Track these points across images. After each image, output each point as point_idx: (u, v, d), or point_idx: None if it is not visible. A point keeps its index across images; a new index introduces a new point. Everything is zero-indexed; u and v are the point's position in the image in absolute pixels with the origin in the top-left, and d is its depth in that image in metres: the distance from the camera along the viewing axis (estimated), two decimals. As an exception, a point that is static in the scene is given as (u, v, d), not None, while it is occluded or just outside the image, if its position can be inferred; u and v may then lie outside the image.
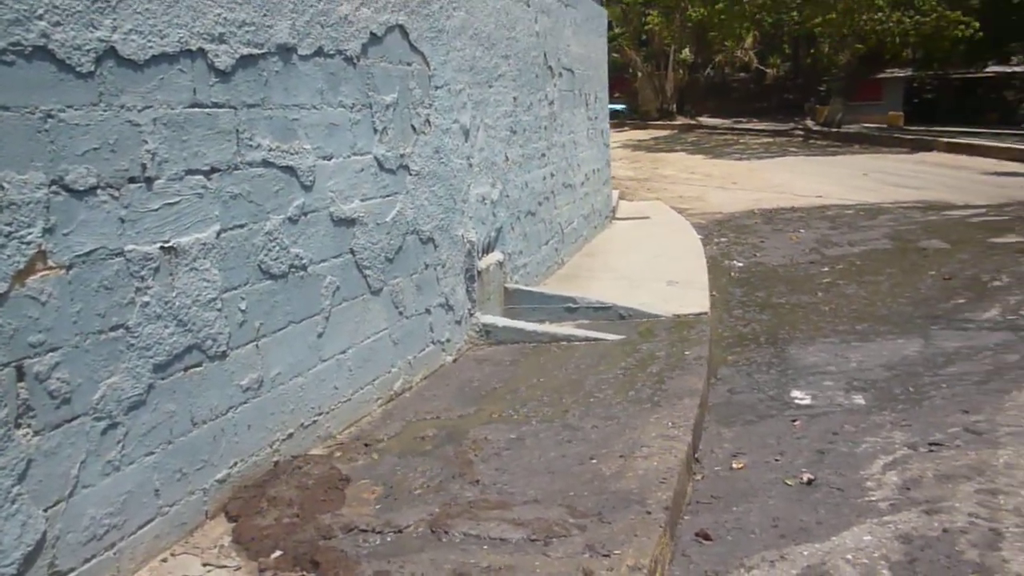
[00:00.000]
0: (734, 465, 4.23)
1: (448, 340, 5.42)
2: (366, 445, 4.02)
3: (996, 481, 3.98)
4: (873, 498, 3.84)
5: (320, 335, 4.02)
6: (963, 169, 19.67)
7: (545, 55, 7.84)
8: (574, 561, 2.95)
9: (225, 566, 2.98)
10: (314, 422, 3.98)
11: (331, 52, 4.05)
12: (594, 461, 3.81)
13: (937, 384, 5.34)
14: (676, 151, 27.37)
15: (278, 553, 3.02)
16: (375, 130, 4.47)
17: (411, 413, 4.48)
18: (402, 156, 4.76)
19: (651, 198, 15.48)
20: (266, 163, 3.59)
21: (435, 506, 3.36)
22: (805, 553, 3.38)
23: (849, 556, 3.35)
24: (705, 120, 39.20)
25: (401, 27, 4.71)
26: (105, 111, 2.77)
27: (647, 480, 3.60)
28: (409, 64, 4.84)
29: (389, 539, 3.11)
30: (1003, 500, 3.79)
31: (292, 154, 3.76)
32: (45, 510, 2.56)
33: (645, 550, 3.03)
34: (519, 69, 6.97)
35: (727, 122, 38.27)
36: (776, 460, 4.29)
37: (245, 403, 3.50)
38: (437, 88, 5.21)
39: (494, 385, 4.96)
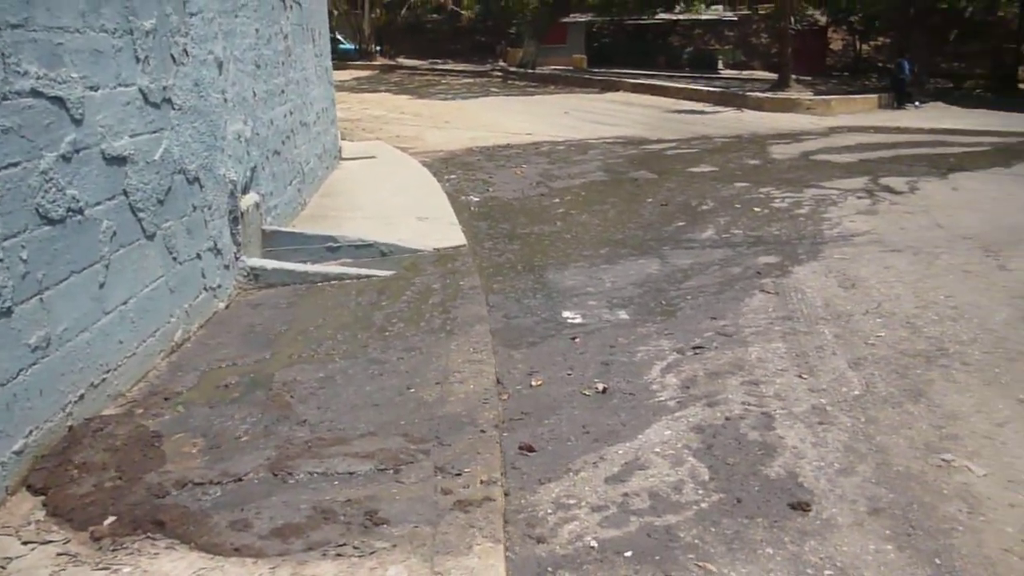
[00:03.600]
0: (533, 383, 4.46)
1: (219, 286, 5.13)
2: (165, 399, 3.75)
3: (754, 373, 4.55)
4: (662, 398, 4.24)
5: (102, 285, 3.65)
6: (649, 107, 21.53)
7: (279, -15, 7.48)
8: (430, 483, 3.00)
9: (51, 540, 2.68)
10: (103, 380, 3.63)
11: (90, -32, 3.61)
12: (412, 391, 3.85)
13: (683, 296, 5.94)
14: (381, 91, 27.26)
15: (111, 519, 2.77)
16: (137, 59, 4.07)
17: (202, 363, 4.22)
18: (165, 88, 4.38)
19: (370, 138, 15.36)
20: (35, 92, 3.17)
21: (270, 450, 3.24)
22: (620, 452, 3.68)
23: (658, 449, 3.70)
24: (403, 61, 39.26)
25: (155, -55, 4.30)
26: None
27: (470, 403, 3.71)
28: (164, -13, 4.44)
29: (231, 488, 2.97)
30: (764, 388, 4.36)
31: (60, 83, 3.34)
32: None
33: (492, 465, 3.16)
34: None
35: (425, 63, 38.62)
36: (568, 374, 4.57)
37: (35, 364, 3.12)
38: (192, 15, 4.82)
39: (280, 328, 4.79)
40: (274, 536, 2.67)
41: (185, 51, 4.72)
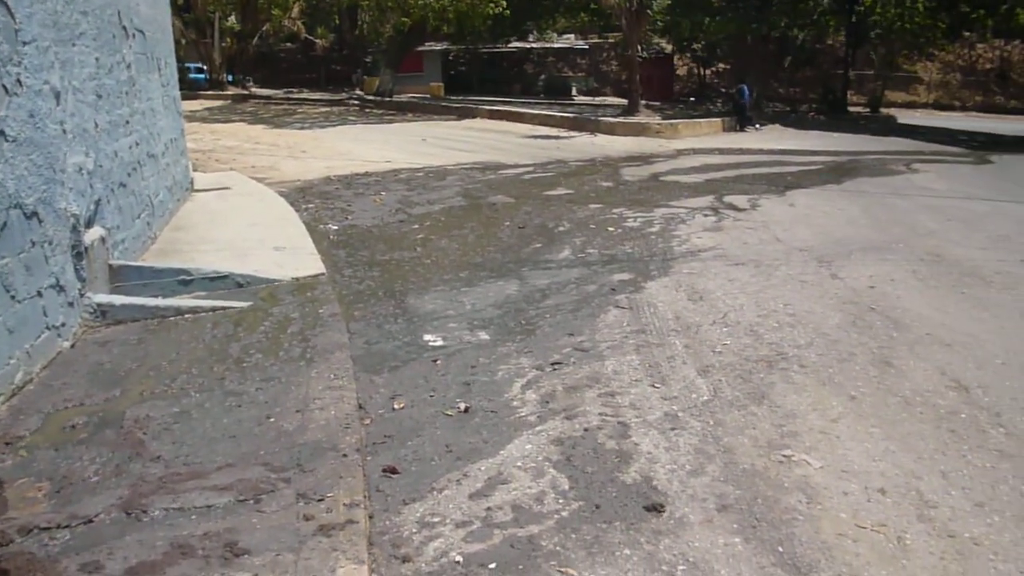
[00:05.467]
0: (395, 406, 4.48)
1: (63, 324, 4.91)
2: (7, 444, 3.57)
3: (610, 385, 4.73)
4: (522, 414, 4.35)
5: (-69, 327, 3.45)
6: (506, 133, 21.93)
7: (119, 14, 7.25)
8: (291, 511, 2.99)
9: None
10: (-64, 428, 3.43)
11: (-91, -5, 3.44)
12: (272, 420, 3.81)
13: (541, 315, 6.09)
14: (234, 121, 26.60)
15: (-52, 572, 2.62)
16: (-35, 89, 3.89)
17: (47, 405, 4.03)
18: (-3, 120, 4.20)
19: (224, 169, 14.99)
20: None
21: (122, 489, 3.14)
22: (483, 468, 3.75)
23: (519, 464, 3.79)
24: (257, 90, 38.49)
25: (-18, -29, 4.12)
26: None
27: (331, 428, 3.71)
28: (-7, 15, 4.26)
29: (81, 531, 2.86)
30: (620, 399, 4.53)
31: None
32: None
33: (355, 488, 3.17)
34: (98, 27, 6.39)
35: (279, 92, 38.00)
36: (431, 396, 4.62)
37: None
38: (25, 44, 4.64)
39: (130, 366, 4.63)
40: (128, 576, 2.60)
41: (18, 81, 4.53)
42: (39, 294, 4.60)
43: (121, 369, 4.57)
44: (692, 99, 37.48)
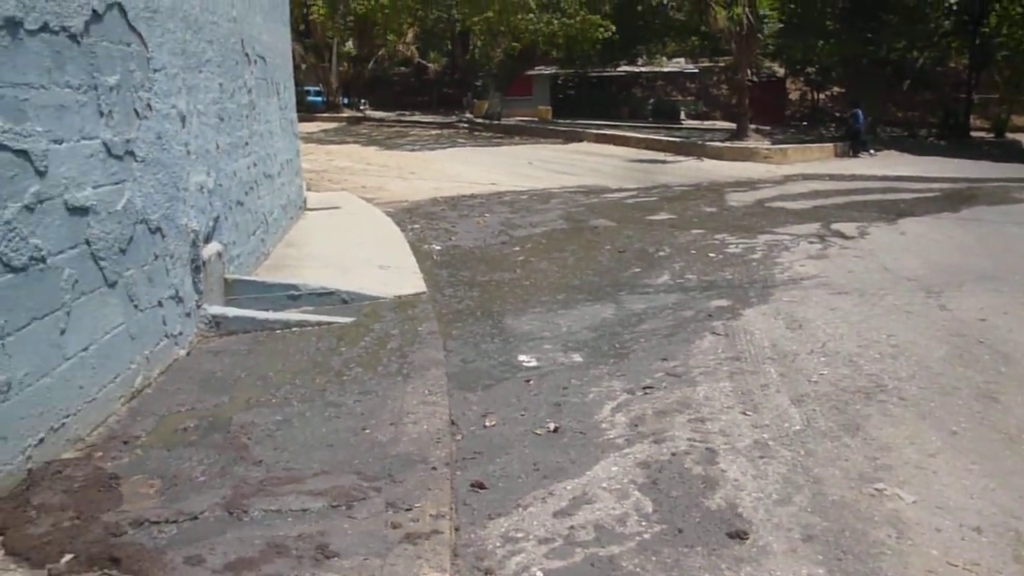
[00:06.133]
0: (487, 423, 4.59)
1: (180, 333, 5.23)
2: (124, 443, 3.83)
3: (700, 411, 4.72)
4: (610, 436, 4.39)
5: (63, 332, 3.75)
6: (611, 157, 21.98)
7: (243, 42, 7.69)
8: (380, 518, 3.11)
9: (7, 579, 2.76)
10: (63, 424, 3.71)
11: (56, 28, 3.77)
12: (367, 431, 3.97)
13: (635, 339, 6.12)
14: (348, 143, 27.53)
15: (68, 557, 2.85)
16: (101, 113, 4.22)
17: (162, 408, 4.31)
18: (128, 141, 4.53)
19: (335, 189, 15.55)
20: (1, 146, 3.30)
21: (225, 489, 3.33)
22: (568, 488, 3.82)
23: (604, 485, 3.84)
24: (371, 113, 39.70)
25: (119, 5, 4.47)
26: None
27: (422, 442, 3.83)
28: (128, 44, 4.60)
29: (186, 526, 3.06)
30: (709, 425, 4.52)
31: (25, 136, 3.48)
32: None
33: (441, 500, 3.28)
34: (222, 55, 6.80)
35: (392, 114, 39.10)
36: (521, 415, 4.71)
37: (-5, 408, 3.21)
38: (155, 71, 4.99)
39: (239, 374, 4.89)
40: (227, 570, 2.77)
41: (148, 105, 4.88)
42: (159, 304, 4.92)
43: (231, 377, 4.83)
44: (804, 123, 36.74)
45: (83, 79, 4.04)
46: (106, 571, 2.78)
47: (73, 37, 3.94)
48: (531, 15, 27.19)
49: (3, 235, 3.30)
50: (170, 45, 5.30)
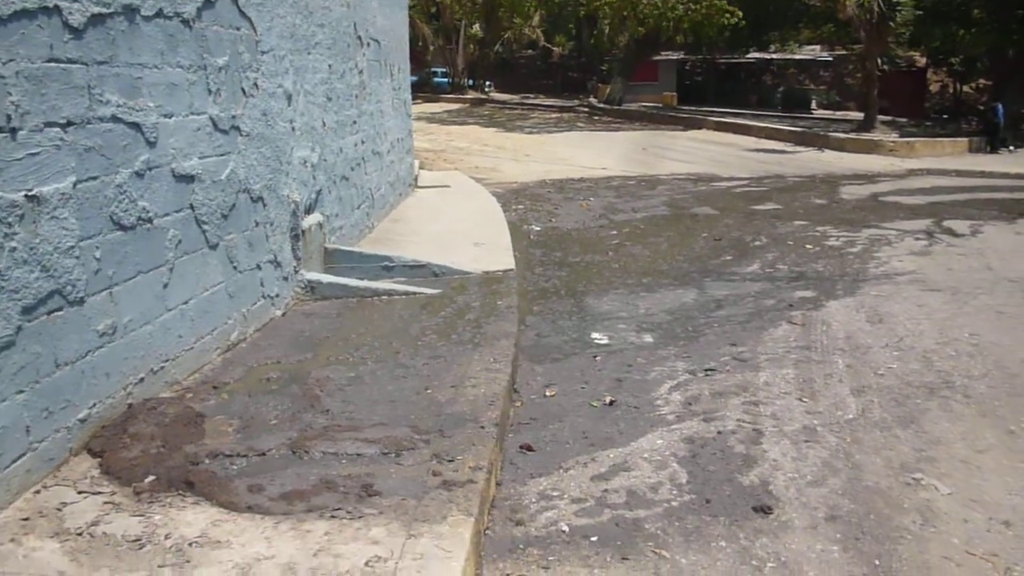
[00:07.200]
0: (547, 393, 4.85)
1: (277, 295, 5.69)
2: (214, 388, 4.28)
3: (757, 395, 4.84)
4: (662, 412, 4.57)
5: (165, 286, 4.22)
6: (729, 146, 21.70)
7: (355, 25, 8.13)
8: (424, 467, 3.42)
9: (100, 492, 3.20)
10: (162, 368, 4.18)
11: (170, 14, 4.22)
12: (429, 391, 4.29)
13: (710, 324, 6.24)
14: (469, 124, 28.10)
15: (151, 478, 3.28)
16: (209, 91, 4.67)
17: (251, 360, 4.76)
18: (234, 117, 4.98)
19: (449, 168, 16.03)
20: (115, 119, 3.76)
21: (292, 432, 3.72)
22: (611, 455, 4.04)
23: (646, 455, 4.04)
24: (495, 95, 40.25)
25: (231, -7, 4.91)
26: (-26, 63, 2.90)
27: (477, 404, 4.12)
28: (238, 29, 5.05)
29: (255, 460, 3.45)
30: (763, 408, 4.64)
31: (137, 111, 3.93)
32: (-67, 439, 2.71)
33: (482, 455, 3.56)
34: (333, 38, 7.24)
35: (516, 97, 39.54)
36: (582, 388, 4.95)
37: (101, 348, 3.68)
38: (263, 53, 5.44)
39: (325, 335, 5.30)
40: (282, 499, 3.13)
41: (255, 85, 5.32)
42: (258, 267, 5.38)
43: (317, 337, 5.25)
44: (945, 116, 35.04)
45: (194, 60, 4.49)
46: (181, 492, 3.19)
47: (186, 22, 4.39)
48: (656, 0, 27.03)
49: (115, 197, 3.76)
50: (279, 29, 5.74)
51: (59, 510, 3.07)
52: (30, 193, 3.20)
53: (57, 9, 3.34)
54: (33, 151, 3.21)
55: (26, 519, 3.00)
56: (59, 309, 3.39)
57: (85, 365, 3.57)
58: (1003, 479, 3.86)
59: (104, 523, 2.97)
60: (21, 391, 3.17)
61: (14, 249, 3.12)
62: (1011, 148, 22.97)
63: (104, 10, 3.65)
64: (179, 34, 4.33)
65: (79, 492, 3.21)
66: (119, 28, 3.78)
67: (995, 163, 19.49)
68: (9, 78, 3.07)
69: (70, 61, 3.44)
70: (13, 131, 3.11)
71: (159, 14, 4.12)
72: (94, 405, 3.64)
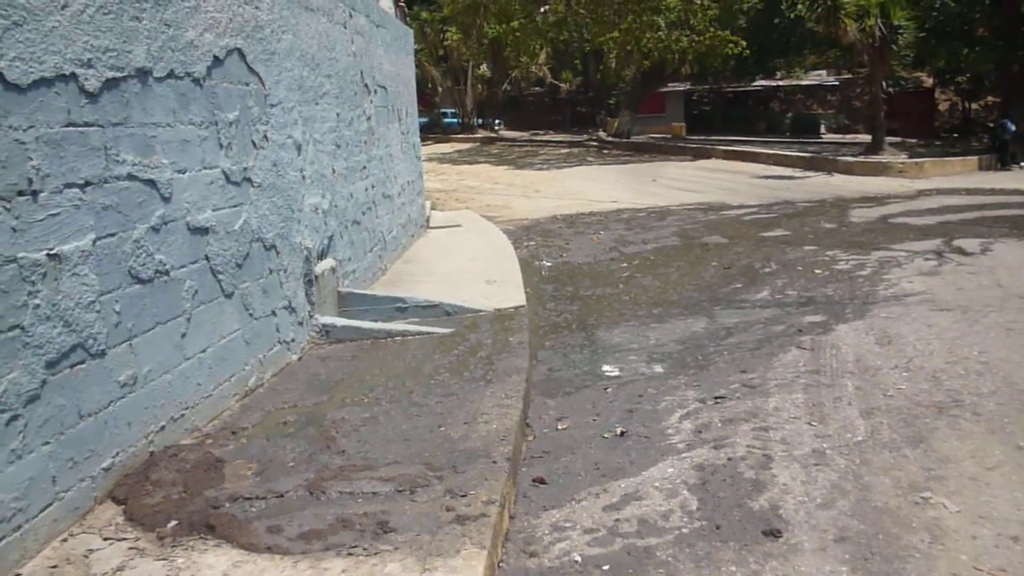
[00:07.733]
0: (559, 427, 4.93)
1: (293, 340, 5.82)
2: (233, 433, 4.39)
3: (767, 421, 4.90)
4: (673, 441, 4.64)
5: (183, 335, 4.35)
6: (739, 173, 21.82)
7: (362, 73, 8.34)
8: (438, 503, 3.51)
9: (124, 538, 3.31)
10: (182, 415, 4.30)
11: (181, 74, 4.40)
12: (442, 428, 4.38)
13: (720, 352, 6.30)
14: (479, 163, 28.41)
15: (173, 523, 3.38)
16: (221, 145, 4.84)
17: (269, 404, 4.87)
18: (245, 169, 5.14)
19: (460, 208, 16.22)
20: (131, 176, 3.92)
21: (309, 473, 3.81)
22: (622, 485, 4.11)
23: (657, 484, 4.11)
24: (505, 133, 40.65)
25: (239, 50, 5.10)
26: (-4, 131, 3.06)
27: (489, 439, 4.21)
28: (247, 84, 5.23)
29: (273, 502, 3.55)
30: (772, 433, 4.70)
31: (152, 168, 4.09)
32: (-35, 492, 2.82)
33: (495, 489, 3.64)
34: (340, 87, 7.44)
35: (525, 134, 39.92)
36: (594, 420, 5.02)
37: (123, 398, 3.80)
38: (272, 106, 5.62)
39: (340, 377, 5.41)
40: (300, 539, 3.22)
41: (265, 137, 5.50)
42: (273, 313, 5.51)
43: (333, 379, 5.36)
44: (955, 135, 35.04)
45: (205, 116, 4.66)
46: (202, 535, 3.29)
47: (196, 81, 4.57)
48: (660, 33, 27.33)
49: (132, 252, 3.91)
50: (287, 82, 5.92)
51: (86, 557, 3.18)
52: (52, 252, 3.35)
53: (74, 76, 3.51)
54: (54, 212, 3.37)
55: (54, 567, 3.10)
56: (81, 362, 3.53)
57: (108, 416, 3.69)
58: (1012, 495, 3.89)
59: (129, 568, 3.07)
60: (47, 443, 3.29)
61: (37, 306, 3.26)
62: (1021, 164, 22.95)
63: (118, 74, 3.83)
64: (190, 92, 4.50)
65: (104, 539, 3.31)
66: (133, 91, 3.95)
67: (1005, 180, 19.48)
68: (30, 143, 3.23)
69: (87, 124, 3.60)
70: (35, 193, 3.26)
71: (171, 75, 4.29)
72: (117, 454, 3.75)
